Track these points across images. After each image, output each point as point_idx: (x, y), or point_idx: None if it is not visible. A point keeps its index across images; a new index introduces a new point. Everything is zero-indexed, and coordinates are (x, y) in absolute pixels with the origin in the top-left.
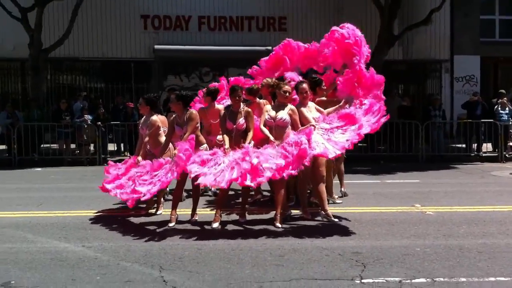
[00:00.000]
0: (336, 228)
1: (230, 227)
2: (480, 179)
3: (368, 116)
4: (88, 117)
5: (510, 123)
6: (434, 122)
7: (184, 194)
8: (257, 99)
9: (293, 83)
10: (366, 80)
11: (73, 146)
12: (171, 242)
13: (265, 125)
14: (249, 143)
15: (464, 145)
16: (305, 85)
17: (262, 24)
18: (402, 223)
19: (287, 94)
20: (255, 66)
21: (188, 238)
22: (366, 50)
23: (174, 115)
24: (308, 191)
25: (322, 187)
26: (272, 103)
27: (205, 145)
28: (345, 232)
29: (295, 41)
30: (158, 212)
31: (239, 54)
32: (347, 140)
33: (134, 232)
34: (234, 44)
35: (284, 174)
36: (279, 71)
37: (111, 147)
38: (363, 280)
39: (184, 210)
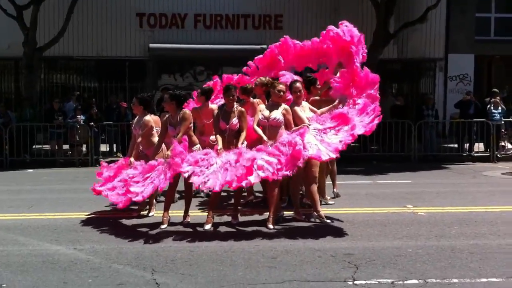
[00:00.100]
0: (328, 229)
1: (222, 228)
2: (472, 179)
3: (362, 116)
4: (80, 117)
5: (503, 122)
6: (426, 121)
7: (177, 195)
8: (251, 98)
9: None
10: (360, 80)
11: (65, 146)
12: (163, 244)
13: (258, 125)
14: (242, 143)
15: (456, 145)
16: (298, 84)
17: (258, 22)
18: (394, 224)
19: (282, 93)
20: (250, 62)
21: (181, 240)
22: (361, 47)
23: (167, 115)
24: (301, 192)
25: (314, 188)
26: (266, 103)
27: (198, 146)
28: (337, 233)
29: (291, 39)
30: (150, 214)
31: (234, 52)
32: (340, 141)
33: (126, 234)
34: (230, 42)
35: (279, 175)
36: (273, 71)
37: (104, 147)
38: (355, 282)
39: (176, 212)
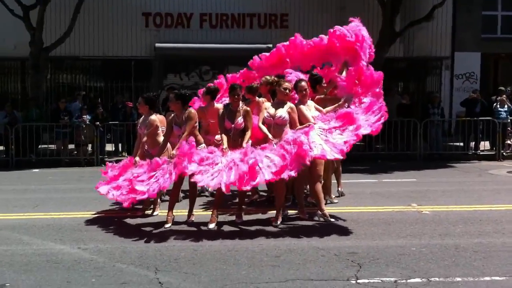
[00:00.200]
0: (332, 228)
1: (226, 227)
2: (477, 177)
3: (368, 115)
4: (86, 117)
5: (509, 120)
6: (432, 120)
7: (181, 194)
8: (257, 97)
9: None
10: (365, 78)
11: (71, 146)
12: (167, 243)
13: (263, 123)
14: (247, 142)
15: (462, 144)
16: (304, 83)
17: (264, 21)
18: (398, 223)
19: (287, 91)
20: (255, 57)
21: (184, 239)
22: (367, 46)
23: (172, 115)
24: (305, 190)
25: (319, 187)
26: (271, 102)
27: (203, 145)
28: (341, 232)
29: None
30: (155, 213)
31: (240, 52)
32: (345, 142)
33: (130, 233)
34: (236, 41)
35: (285, 175)
36: (279, 69)
37: (109, 147)
38: (358, 281)
39: (180, 211)
